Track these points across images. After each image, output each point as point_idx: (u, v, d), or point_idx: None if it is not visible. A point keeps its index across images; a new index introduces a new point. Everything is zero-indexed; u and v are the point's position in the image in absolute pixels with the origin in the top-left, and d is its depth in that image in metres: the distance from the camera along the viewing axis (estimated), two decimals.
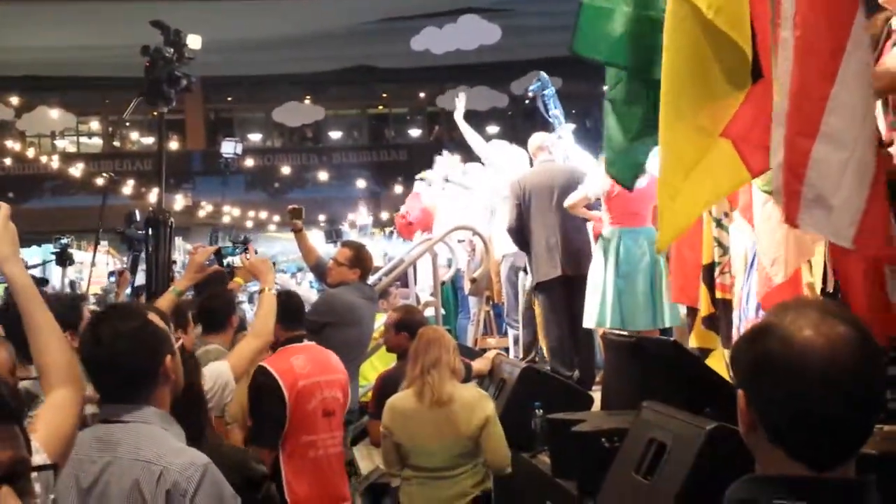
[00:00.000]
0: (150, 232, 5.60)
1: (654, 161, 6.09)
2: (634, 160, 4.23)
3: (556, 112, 8.12)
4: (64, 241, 8.80)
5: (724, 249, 4.72)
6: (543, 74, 8.47)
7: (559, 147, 7.59)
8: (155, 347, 2.54)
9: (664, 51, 3.29)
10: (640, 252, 6.48)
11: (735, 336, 4.42)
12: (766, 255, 3.81)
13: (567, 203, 6.69)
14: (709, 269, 4.81)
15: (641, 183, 6.59)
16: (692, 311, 5.23)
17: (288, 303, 4.72)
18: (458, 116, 8.97)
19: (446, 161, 9.89)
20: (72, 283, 9.78)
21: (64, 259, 8.93)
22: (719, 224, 4.76)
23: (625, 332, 5.97)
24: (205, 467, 2.37)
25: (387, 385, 5.27)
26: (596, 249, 6.63)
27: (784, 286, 3.76)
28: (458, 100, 9.20)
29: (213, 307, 4.94)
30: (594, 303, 6.49)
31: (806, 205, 2.79)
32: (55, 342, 2.31)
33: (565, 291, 7.02)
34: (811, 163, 2.76)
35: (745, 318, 4.31)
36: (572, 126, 8.10)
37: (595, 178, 6.60)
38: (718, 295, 4.70)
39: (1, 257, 2.30)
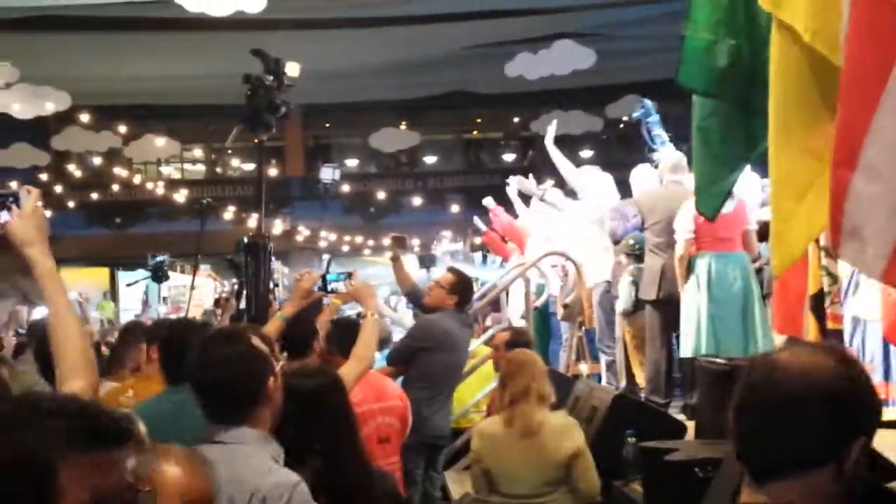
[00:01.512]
0: (249, 256, 5.73)
1: (742, 185, 6.01)
2: (723, 190, 4.16)
3: (660, 133, 8.07)
4: (159, 258, 9.01)
5: (834, 279, 4.60)
6: (647, 101, 8.43)
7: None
8: (256, 371, 2.63)
9: (772, 74, 3.25)
10: (731, 277, 6.37)
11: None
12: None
13: (677, 254, 6.59)
14: (817, 299, 4.69)
15: (729, 207, 6.52)
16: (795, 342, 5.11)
17: (346, 330, 4.77)
18: (549, 143, 8.99)
19: (523, 182, 9.87)
20: (165, 299, 10.05)
21: (160, 275, 9.15)
22: (828, 253, 4.64)
23: (719, 360, 5.87)
24: (293, 486, 2.44)
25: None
26: (690, 275, 6.54)
27: None
28: (550, 126, 9.21)
29: (296, 332, 5.00)
30: (690, 331, 6.40)
31: (845, 236, 2.76)
32: (73, 331, 2.36)
33: (665, 316, 6.94)
34: (849, 193, 2.73)
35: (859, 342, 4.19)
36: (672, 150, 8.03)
37: (680, 215, 6.55)
38: (830, 325, 4.59)
39: (26, 240, 2.41)
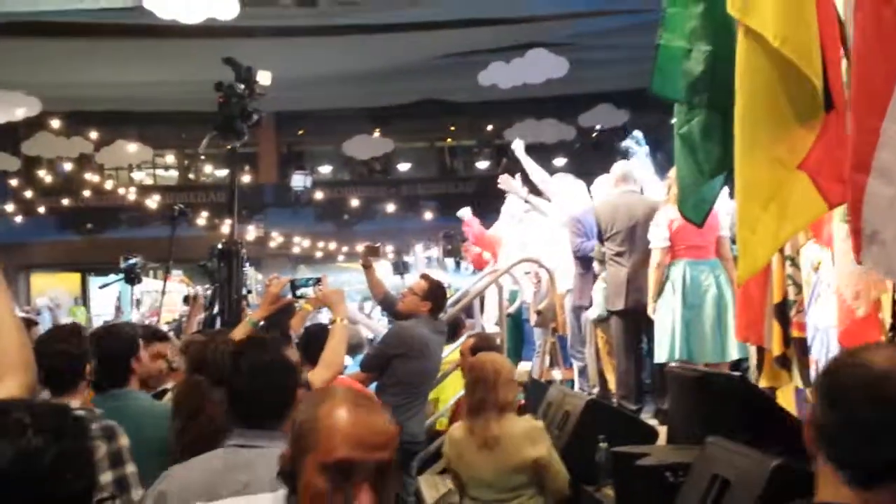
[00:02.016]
0: (222, 263, 5.72)
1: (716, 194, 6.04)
2: (706, 196, 4.19)
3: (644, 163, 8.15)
4: (132, 260, 8.92)
5: (799, 288, 4.64)
6: (638, 133, 8.50)
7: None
8: (289, 379, 2.72)
9: (737, 81, 3.28)
10: (705, 284, 6.43)
11: (815, 372, 4.35)
12: (847, 288, 3.74)
13: (651, 265, 6.62)
14: (781, 308, 4.73)
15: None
16: (760, 351, 5.15)
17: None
18: (521, 154, 9.00)
19: (510, 182, 9.88)
20: (138, 302, 9.92)
21: (132, 278, 9.04)
22: (793, 262, 4.68)
23: (691, 366, 5.91)
24: None
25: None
26: (665, 283, 6.58)
27: (865, 320, 3.70)
28: (516, 142, 9.22)
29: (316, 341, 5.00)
30: (664, 337, 6.44)
31: (865, 241, 2.76)
32: (11, 330, 2.33)
33: (632, 325, 7.00)
34: (866, 198, 2.74)
35: (823, 351, 4.23)
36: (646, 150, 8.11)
37: (655, 224, 6.59)
38: (795, 334, 4.62)
39: None
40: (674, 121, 4.14)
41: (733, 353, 6.39)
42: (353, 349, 6.88)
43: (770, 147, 3.23)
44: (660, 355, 6.47)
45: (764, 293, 4.79)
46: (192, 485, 2.56)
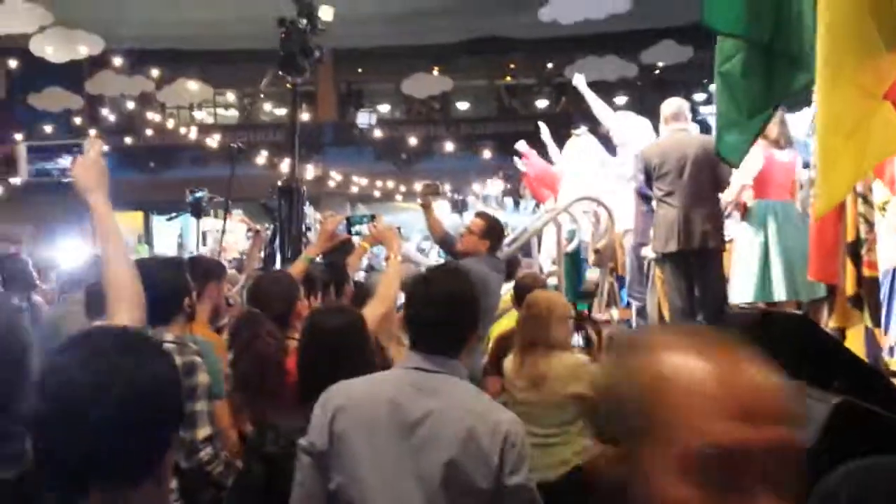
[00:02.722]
0: (283, 201, 5.77)
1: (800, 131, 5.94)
2: (747, 137, 4.11)
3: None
4: (199, 193, 8.91)
5: (871, 226, 4.56)
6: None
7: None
8: (475, 309, 2.79)
9: (820, 7, 3.17)
10: (796, 225, 6.39)
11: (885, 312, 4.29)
12: None
13: (727, 197, 6.54)
14: (854, 247, 4.65)
15: (788, 157, 6.49)
16: (831, 290, 5.09)
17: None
18: (583, 87, 8.91)
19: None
20: (204, 235, 9.87)
21: (199, 211, 9.03)
22: (865, 200, 4.59)
23: (750, 306, 5.87)
24: (522, 424, 2.65)
25: (502, 346, 5.41)
26: (746, 223, 6.50)
27: None
28: (578, 77, 9.13)
29: (326, 278, 5.06)
30: (748, 277, 6.37)
31: None
32: (123, 270, 2.50)
33: (685, 266, 6.94)
34: None
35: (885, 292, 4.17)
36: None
37: (746, 162, 6.47)
38: (866, 273, 4.55)
39: (87, 187, 2.57)
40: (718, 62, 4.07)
41: (808, 293, 6.33)
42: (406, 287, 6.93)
43: (854, 75, 3.12)
44: (742, 294, 6.37)
45: (837, 231, 4.70)
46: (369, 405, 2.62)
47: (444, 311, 2.69)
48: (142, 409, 1.47)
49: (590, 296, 8.62)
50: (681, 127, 7.16)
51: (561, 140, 10.77)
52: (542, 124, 11.35)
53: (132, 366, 1.50)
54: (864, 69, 3.10)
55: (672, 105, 7.29)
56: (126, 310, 2.40)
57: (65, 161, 2.52)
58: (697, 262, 6.90)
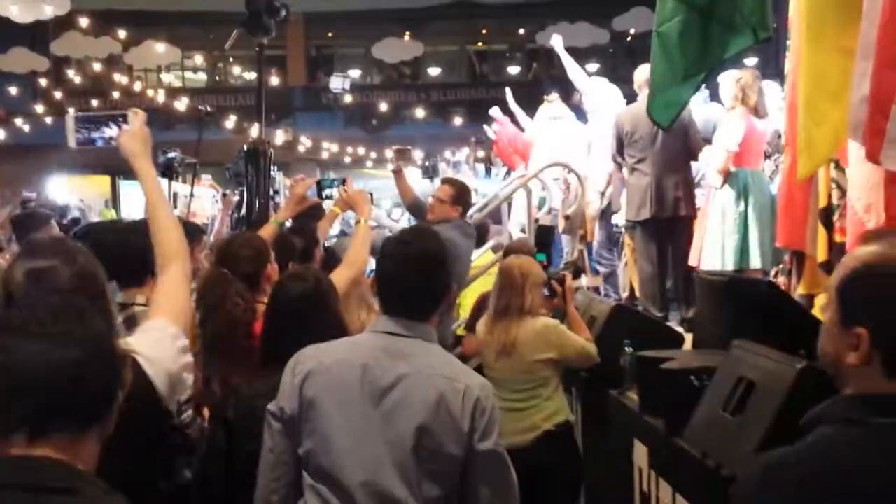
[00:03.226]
0: (249, 164, 5.71)
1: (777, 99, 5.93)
2: (679, 99, 4.11)
3: None
4: (171, 154, 8.74)
5: (843, 192, 4.56)
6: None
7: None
8: (448, 272, 2.76)
9: None
10: (767, 192, 6.39)
11: None
12: (859, 200, 3.68)
13: (716, 165, 6.51)
14: (826, 212, 4.65)
15: (763, 126, 6.49)
16: (800, 257, 5.11)
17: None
18: (560, 50, 8.89)
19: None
20: (175, 197, 9.58)
21: (171, 171, 8.77)
22: (837, 165, 4.60)
23: (718, 272, 5.90)
24: (492, 388, 2.64)
25: (483, 306, 5.45)
26: (722, 189, 6.49)
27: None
28: (555, 38, 9.11)
29: (302, 242, 5.02)
30: (728, 245, 6.37)
31: (890, 142, 2.68)
32: (168, 226, 2.77)
33: (657, 233, 6.96)
34: None
35: None
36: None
37: (730, 127, 6.46)
38: (838, 239, 4.56)
39: (133, 153, 2.91)
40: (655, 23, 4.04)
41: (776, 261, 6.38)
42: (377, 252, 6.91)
43: (838, 37, 3.10)
44: (718, 262, 6.39)
45: (807, 197, 4.71)
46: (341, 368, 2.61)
47: (418, 274, 2.67)
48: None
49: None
50: None
51: (533, 107, 10.74)
52: (507, 90, 11.31)
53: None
54: (847, 31, 3.09)
55: (645, 71, 7.26)
56: (176, 263, 2.69)
57: (110, 130, 3.04)
58: (668, 230, 6.94)
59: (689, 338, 5.50)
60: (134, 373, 1.96)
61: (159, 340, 2.45)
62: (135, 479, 1.89)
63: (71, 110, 2.92)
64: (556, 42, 8.97)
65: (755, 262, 6.32)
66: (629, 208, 7.15)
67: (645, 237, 7.03)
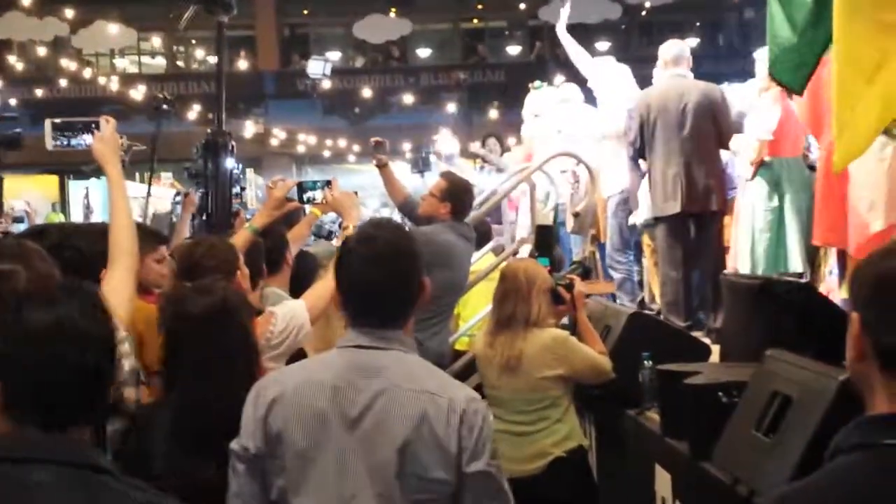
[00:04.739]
0: (208, 159, 5.64)
1: None
2: (802, 59, 4.06)
3: None
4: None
5: None
6: None
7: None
8: (421, 269, 2.74)
9: None
10: (806, 185, 6.34)
11: None
12: (862, 200, 3.68)
13: (749, 156, 6.49)
14: None
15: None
16: (842, 256, 5.11)
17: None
18: (561, 30, 8.88)
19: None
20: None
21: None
22: None
23: (748, 275, 5.90)
24: (483, 402, 2.61)
25: None
26: (753, 182, 6.48)
27: (880, 235, 3.64)
28: (562, 10, 9.10)
29: (266, 247, 4.98)
30: (759, 246, 6.35)
31: None
32: (125, 222, 3.46)
33: (685, 230, 6.94)
34: None
35: None
36: None
37: (763, 112, 6.44)
38: None
39: (104, 160, 3.60)
40: None
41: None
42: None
43: (874, 10, 3.09)
44: (750, 265, 6.37)
45: (845, 190, 4.69)
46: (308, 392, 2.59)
47: (388, 274, 2.63)
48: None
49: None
50: (680, 73, 7.12)
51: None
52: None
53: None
54: (889, 4, 3.08)
55: (673, 48, 7.24)
56: (123, 263, 3.34)
57: (89, 138, 3.86)
58: (697, 226, 6.91)
59: (716, 349, 5.50)
60: None
61: None
62: None
63: (48, 120, 3.95)
64: (560, 24, 8.96)
65: (794, 264, 6.29)
66: (653, 202, 7.12)
67: (670, 235, 6.99)
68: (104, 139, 3.65)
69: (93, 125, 3.76)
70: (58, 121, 3.91)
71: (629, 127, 7.53)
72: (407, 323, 2.69)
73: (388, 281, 2.63)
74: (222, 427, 2.73)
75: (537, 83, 10.10)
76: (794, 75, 4.14)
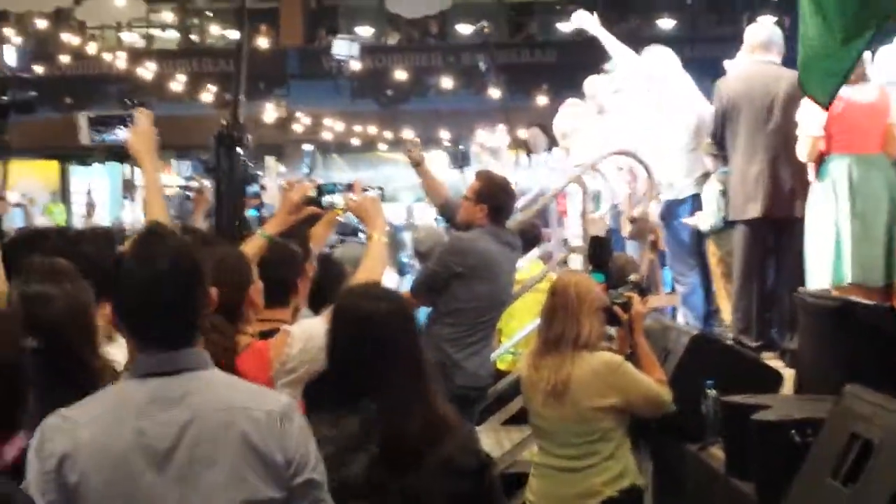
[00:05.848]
0: (220, 153, 5.66)
1: (883, 66, 5.87)
2: (836, 69, 4.06)
3: None
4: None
5: None
6: None
7: None
8: (206, 273, 2.72)
9: None
10: (878, 186, 6.26)
11: None
12: None
13: (803, 157, 6.44)
14: None
15: (871, 96, 6.38)
16: None
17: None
18: (596, 29, 8.83)
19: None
20: (125, 185, 9.43)
21: (125, 154, 8.58)
22: None
23: (830, 294, 5.84)
24: (295, 402, 2.72)
25: None
26: (817, 184, 6.43)
27: None
28: (575, 18, 9.05)
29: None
30: (827, 255, 6.30)
31: None
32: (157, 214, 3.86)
33: (764, 237, 6.87)
34: None
35: None
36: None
37: (809, 105, 6.38)
38: None
39: (140, 153, 3.94)
40: None
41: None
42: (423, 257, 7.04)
43: None
44: (817, 279, 6.31)
45: None
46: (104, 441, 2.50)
47: (172, 295, 2.58)
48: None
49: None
50: (770, 59, 7.03)
51: (588, 73, 10.69)
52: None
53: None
54: None
55: (761, 31, 7.17)
56: None
57: (123, 132, 4.20)
58: (779, 233, 6.85)
59: (789, 374, 5.48)
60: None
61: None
62: None
63: (83, 114, 4.33)
64: (585, 23, 8.91)
65: (849, 275, 6.20)
66: (731, 203, 7.06)
67: (748, 242, 6.91)
68: (140, 132, 3.96)
69: (127, 118, 4.06)
70: (92, 115, 4.23)
71: (701, 119, 7.48)
72: (198, 336, 2.66)
73: (173, 300, 2.59)
74: None
75: (609, 65, 9.99)
76: (827, 86, 4.13)
